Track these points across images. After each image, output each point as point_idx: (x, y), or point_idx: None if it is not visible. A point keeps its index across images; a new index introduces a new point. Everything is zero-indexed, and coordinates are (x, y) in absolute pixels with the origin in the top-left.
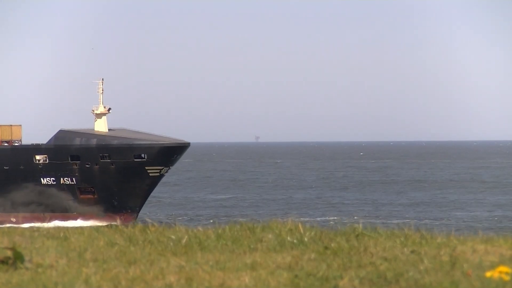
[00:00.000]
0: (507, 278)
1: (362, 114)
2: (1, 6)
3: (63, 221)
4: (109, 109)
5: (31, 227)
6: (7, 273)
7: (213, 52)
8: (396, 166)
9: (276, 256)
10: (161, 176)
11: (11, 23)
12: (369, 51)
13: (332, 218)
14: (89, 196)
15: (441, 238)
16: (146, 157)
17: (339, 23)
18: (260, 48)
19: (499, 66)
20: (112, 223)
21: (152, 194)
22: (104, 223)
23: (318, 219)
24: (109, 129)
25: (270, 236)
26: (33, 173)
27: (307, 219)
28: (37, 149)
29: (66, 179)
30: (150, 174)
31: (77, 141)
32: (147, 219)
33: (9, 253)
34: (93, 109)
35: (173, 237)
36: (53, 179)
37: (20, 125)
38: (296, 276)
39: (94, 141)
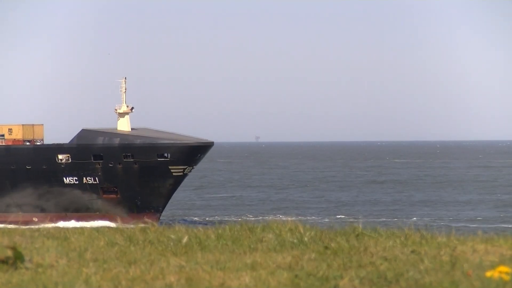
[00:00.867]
0: (507, 278)
1: (362, 114)
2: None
3: (85, 221)
4: (132, 108)
5: (30, 227)
6: (7, 273)
7: (213, 52)
8: (396, 166)
9: (276, 256)
10: (185, 175)
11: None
12: (369, 51)
13: (332, 218)
14: (112, 195)
15: (441, 238)
16: (169, 157)
17: (340, 23)
18: (260, 48)
19: (499, 66)
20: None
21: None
22: (127, 223)
23: (318, 219)
24: (131, 129)
25: (270, 236)
26: (56, 173)
27: (307, 218)
28: (59, 148)
29: (89, 179)
30: (174, 174)
31: (100, 141)
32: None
33: (9, 252)
34: (116, 108)
35: (173, 237)
36: (76, 178)
37: (42, 125)
38: (296, 276)
39: (117, 141)
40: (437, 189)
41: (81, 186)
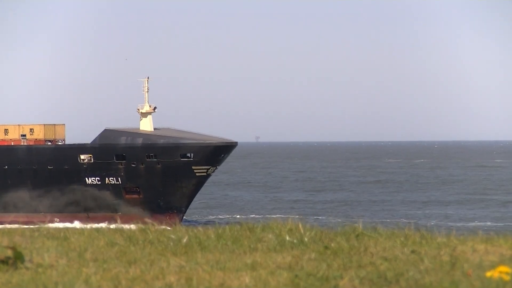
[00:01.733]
0: (507, 278)
1: (362, 114)
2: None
3: (107, 222)
4: (155, 108)
5: (30, 227)
6: (7, 273)
7: (213, 52)
8: (395, 166)
9: (276, 256)
10: (208, 176)
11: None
12: (369, 51)
13: (332, 218)
14: (135, 196)
15: (441, 238)
16: (192, 157)
17: (340, 23)
18: (261, 48)
19: (499, 66)
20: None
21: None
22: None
23: (318, 219)
24: (154, 128)
25: (270, 236)
26: (78, 173)
27: (307, 218)
28: (81, 148)
29: (111, 179)
30: (197, 174)
31: (123, 140)
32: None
33: (9, 252)
34: (138, 108)
35: (173, 237)
36: (98, 178)
37: (64, 124)
38: (296, 276)
39: (140, 140)
40: (437, 189)
41: (103, 186)
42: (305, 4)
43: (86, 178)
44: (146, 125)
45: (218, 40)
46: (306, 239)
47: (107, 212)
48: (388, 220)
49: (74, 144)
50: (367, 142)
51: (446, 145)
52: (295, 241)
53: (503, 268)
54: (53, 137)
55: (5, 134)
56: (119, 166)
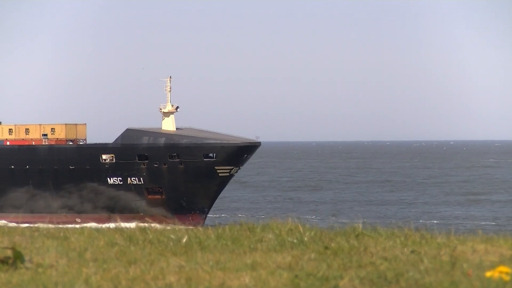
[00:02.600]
0: (507, 278)
1: (362, 114)
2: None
3: (129, 223)
4: (177, 107)
5: (30, 227)
6: (7, 273)
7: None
8: (395, 166)
9: (276, 256)
10: (231, 176)
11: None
12: (369, 51)
13: (332, 218)
14: (157, 196)
15: (441, 238)
16: (215, 157)
17: (339, 23)
18: (261, 48)
19: (499, 66)
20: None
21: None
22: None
23: (318, 219)
24: (176, 128)
25: (270, 236)
26: (99, 173)
27: (307, 218)
28: (103, 148)
29: (134, 179)
30: (220, 174)
31: (145, 140)
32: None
33: (9, 252)
34: (161, 107)
35: (173, 237)
36: (120, 179)
37: (85, 124)
38: (296, 276)
39: (162, 140)
40: (437, 189)
41: (125, 186)
42: (305, 4)
43: (108, 178)
44: (169, 125)
45: (218, 40)
46: (306, 239)
47: (129, 213)
48: (388, 220)
49: (96, 144)
50: (367, 142)
51: (446, 145)
52: (295, 241)
53: (503, 268)
54: (75, 137)
55: (26, 134)
56: (141, 166)
